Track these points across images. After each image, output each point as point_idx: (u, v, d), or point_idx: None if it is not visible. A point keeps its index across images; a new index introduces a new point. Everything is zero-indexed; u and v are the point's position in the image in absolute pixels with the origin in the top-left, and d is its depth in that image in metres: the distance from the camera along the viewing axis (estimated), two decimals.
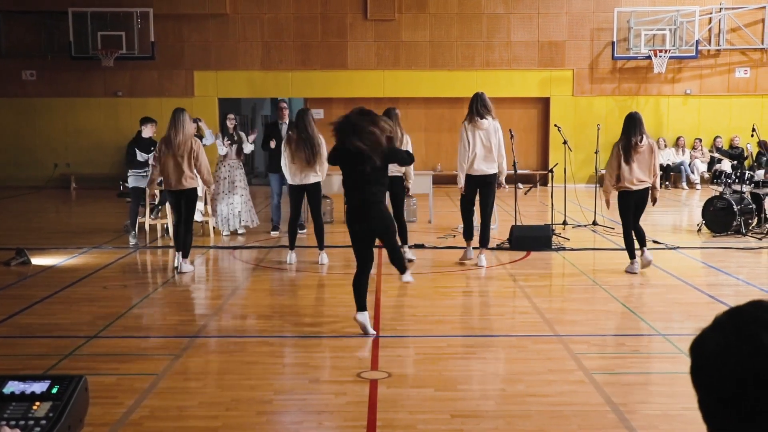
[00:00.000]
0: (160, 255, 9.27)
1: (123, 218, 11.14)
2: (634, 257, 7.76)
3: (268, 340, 5.57)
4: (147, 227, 10.23)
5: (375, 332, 5.59)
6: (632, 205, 7.58)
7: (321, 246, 8.44)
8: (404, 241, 8.32)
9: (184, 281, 7.75)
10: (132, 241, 9.65)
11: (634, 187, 7.52)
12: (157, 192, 10.10)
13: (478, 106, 7.98)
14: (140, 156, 9.80)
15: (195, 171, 7.87)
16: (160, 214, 10.24)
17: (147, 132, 9.94)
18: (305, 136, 8.08)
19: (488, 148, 7.95)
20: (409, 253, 8.41)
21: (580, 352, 5.18)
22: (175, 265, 8.10)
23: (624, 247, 7.86)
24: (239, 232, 10.44)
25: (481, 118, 7.96)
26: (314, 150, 8.13)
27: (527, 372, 4.81)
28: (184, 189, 7.89)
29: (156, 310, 6.52)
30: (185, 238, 8.02)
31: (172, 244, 9.78)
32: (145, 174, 9.81)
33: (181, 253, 8.00)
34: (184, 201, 7.97)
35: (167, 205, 10.11)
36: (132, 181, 9.86)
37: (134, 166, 9.81)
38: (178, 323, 6.10)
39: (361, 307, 5.59)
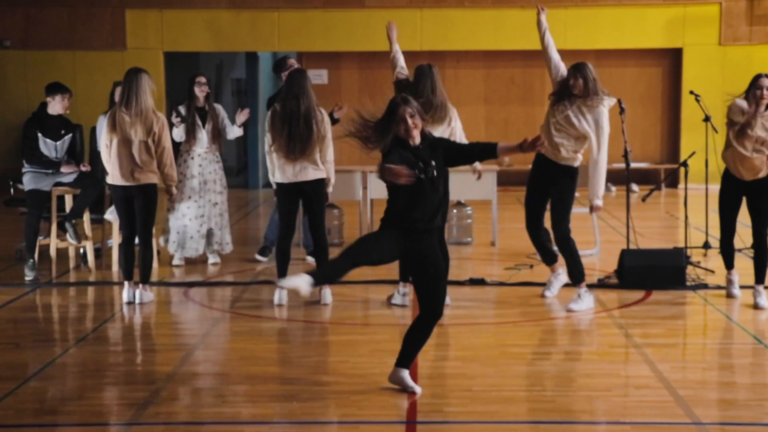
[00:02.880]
0: (74, 296, 9.33)
1: (15, 239, 11.26)
2: (732, 267, 8.69)
3: (243, 429, 5.59)
4: (53, 252, 10.31)
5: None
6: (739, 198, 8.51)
7: None
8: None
9: (111, 336, 7.80)
10: (29, 275, 9.75)
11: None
12: (68, 196, 10.19)
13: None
14: (45, 146, 9.88)
15: (155, 160, 8.54)
16: (74, 232, 10.31)
17: (55, 107, 10.01)
18: (297, 109, 8.27)
19: None
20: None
21: None
22: (127, 299, 8.61)
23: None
24: (211, 260, 10.52)
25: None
26: (311, 129, 8.32)
27: None
28: (139, 185, 8.49)
29: (66, 383, 6.55)
30: (144, 255, 8.67)
31: (92, 279, 9.85)
32: (51, 172, 9.90)
33: (129, 282, 8.67)
34: (139, 203, 8.56)
35: (86, 216, 10.23)
36: (30, 182, 9.95)
37: (34, 160, 9.90)
38: (99, 405, 6.14)
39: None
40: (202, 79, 10.49)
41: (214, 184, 10.44)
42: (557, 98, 8.35)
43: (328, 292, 8.61)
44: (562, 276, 8.72)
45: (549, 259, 8.75)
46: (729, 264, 8.69)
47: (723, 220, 8.55)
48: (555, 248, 8.64)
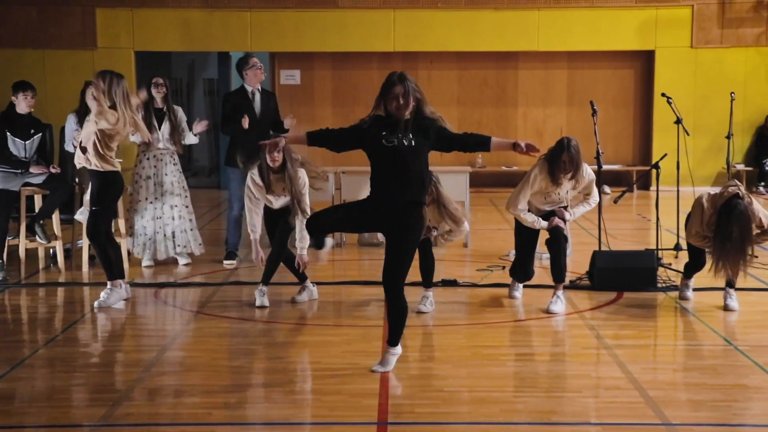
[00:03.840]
0: (43, 296, 9.31)
1: None
2: (690, 278, 8.86)
3: (214, 430, 5.58)
4: (22, 253, 10.26)
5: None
6: None
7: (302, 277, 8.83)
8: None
9: (81, 337, 7.78)
10: None
11: None
12: (37, 196, 10.15)
13: None
14: (14, 146, 9.85)
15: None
16: (43, 232, 10.28)
17: (21, 105, 9.98)
18: None
19: None
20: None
21: None
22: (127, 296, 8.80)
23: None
24: (182, 261, 10.51)
25: None
26: None
27: None
28: None
29: (35, 384, 6.54)
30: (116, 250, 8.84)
31: (62, 280, 9.83)
32: (20, 172, 9.86)
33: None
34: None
35: (56, 216, 10.18)
36: None
37: (3, 160, 9.86)
38: (69, 406, 6.13)
39: None
40: (159, 81, 10.43)
41: (171, 186, 10.40)
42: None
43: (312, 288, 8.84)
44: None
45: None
46: (688, 276, 8.85)
47: (691, 252, 8.71)
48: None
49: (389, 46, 17.72)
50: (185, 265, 10.47)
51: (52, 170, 9.99)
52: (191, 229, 10.55)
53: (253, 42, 17.88)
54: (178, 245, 10.47)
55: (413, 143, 6.36)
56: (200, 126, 10.65)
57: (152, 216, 10.33)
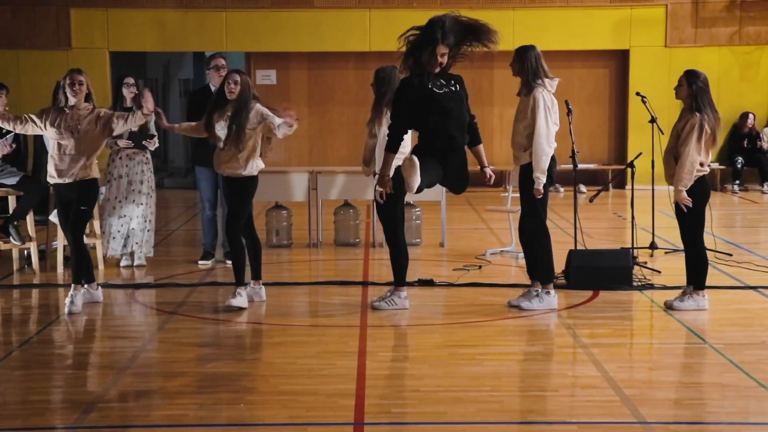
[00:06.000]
0: (18, 298, 9.25)
1: None
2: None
3: None
4: None
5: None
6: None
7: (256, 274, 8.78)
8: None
9: (56, 338, 7.74)
10: None
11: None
12: (11, 197, 10.09)
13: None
14: None
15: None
16: (17, 233, 10.21)
17: None
18: None
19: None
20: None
21: None
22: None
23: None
24: (136, 261, 10.43)
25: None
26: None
27: None
28: (78, 180, 8.41)
29: (9, 387, 6.50)
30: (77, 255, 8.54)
31: (36, 281, 9.77)
32: None
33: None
34: (77, 199, 8.45)
35: (30, 217, 10.13)
36: None
37: None
38: (43, 408, 6.08)
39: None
40: (130, 80, 10.32)
41: (140, 184, 10.30)
42: None
43: (263, 290, 8.76)
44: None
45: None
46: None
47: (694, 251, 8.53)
48: None
49: (365, 46, 17.70)
50: (138, 267, 10.35)
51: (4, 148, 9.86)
52: (148, 230, 10.43)
53: (228, 42, 17.84)
54: (136, 243, 10.35)
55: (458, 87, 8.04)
56: (150, 142, 10.31)
57: (119, 214, 10.22)
